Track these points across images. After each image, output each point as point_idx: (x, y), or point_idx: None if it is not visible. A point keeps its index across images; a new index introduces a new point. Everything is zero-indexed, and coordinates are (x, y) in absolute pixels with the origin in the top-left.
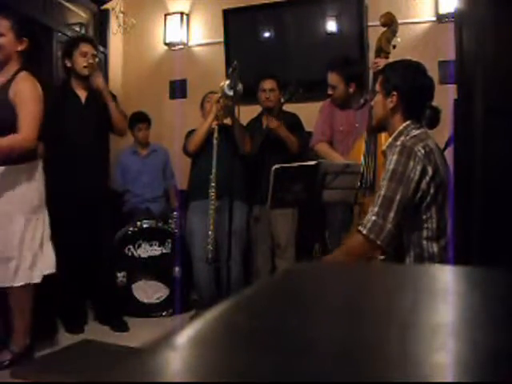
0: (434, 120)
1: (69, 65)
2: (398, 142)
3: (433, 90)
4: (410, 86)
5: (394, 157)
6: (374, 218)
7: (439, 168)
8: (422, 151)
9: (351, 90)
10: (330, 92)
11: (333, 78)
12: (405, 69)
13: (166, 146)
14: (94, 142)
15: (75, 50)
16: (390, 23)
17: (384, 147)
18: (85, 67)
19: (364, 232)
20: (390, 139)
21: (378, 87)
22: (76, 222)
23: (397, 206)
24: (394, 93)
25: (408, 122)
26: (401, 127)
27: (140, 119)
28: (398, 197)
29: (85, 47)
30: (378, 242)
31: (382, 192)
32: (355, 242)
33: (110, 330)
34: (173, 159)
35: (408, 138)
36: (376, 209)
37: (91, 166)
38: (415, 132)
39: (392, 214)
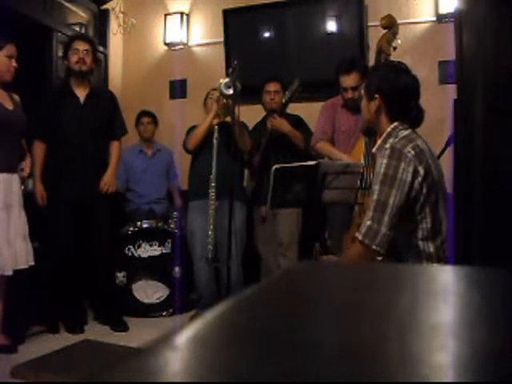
0: (416, 119)
1: (66, 64)
2: (387, 145)
3: (417, 89)
4: (390, 87)
5: (384, 160)
6: (368, 222)
7: (431, 167)
8: (412, 152)
9: None
10: (349, 96)
11: (354, 79)
12: (385, 70)
13: (167, 145)
14: (92, 141)
15: (69, 48)
16: (391, 25)
17: (374, 150)
18: (76, 62)
19: (359, 238)
20: (379, 141)
21: (363, 91)
22: (74, 222)
23: (391, 209)
24: (376, 95)
25: (395, 124)
26: (389, 129)
27: (144, 114)
28: (391, 200)
29: (76, 44)
30: (374, 247)
31: (375, 197)
32: (354, 250)
33: (110, 329)
34: None
35: (397, 139)
36: (370, 213)
37: (90, 166)
38: (404, 133)
39: (386, 218)
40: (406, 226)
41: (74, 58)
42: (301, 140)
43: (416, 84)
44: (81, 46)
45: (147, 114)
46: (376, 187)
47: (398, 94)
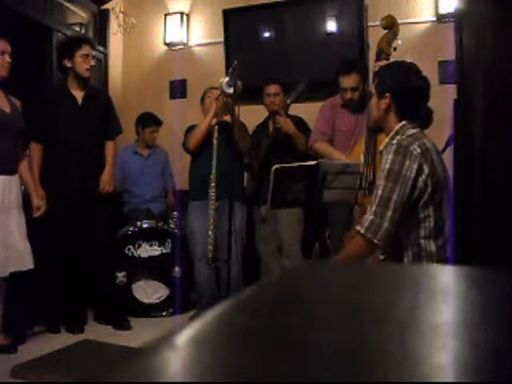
0: (426, 120)
1: (69, 65)
2: (394, 141)
3: (427, 91)
4: (402, 86)
5: (390, 156)
6: (371, 217)
7: (436, 167)
8: (418, 150)
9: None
10: (349, 96)
11: (354, 79)
12: (397, 70)
13: (165, 145)
14: (90, 142)
15: (77, 51)
16: (391, 26)
17: (381, 147)
18: (87, 70)
19: (361, 231)
20: (387, 139)
21: (373, 89)
22: (73, 222)
23: (394, 204)
24: (387, 94)
25: (404, 122)
26: (397, 127)
27: (156, 121)
28: (395, 196)
29: (87, 49)
30: (375, 241)
31: (379, 192)
32: (354, 244)
33: (110, 329)
34: (173, 159)
35: (404, 137)
36: (373, 208)
37: (87, 167)
38: (411, 131)
39: (389, 213)
40: (409, 223)
41: (84, 64)
42: (304, 143)
43: (426, 86)
44: (90, 52)
45: (154, 122)
46: (381, 182)
47: (408, 94)
